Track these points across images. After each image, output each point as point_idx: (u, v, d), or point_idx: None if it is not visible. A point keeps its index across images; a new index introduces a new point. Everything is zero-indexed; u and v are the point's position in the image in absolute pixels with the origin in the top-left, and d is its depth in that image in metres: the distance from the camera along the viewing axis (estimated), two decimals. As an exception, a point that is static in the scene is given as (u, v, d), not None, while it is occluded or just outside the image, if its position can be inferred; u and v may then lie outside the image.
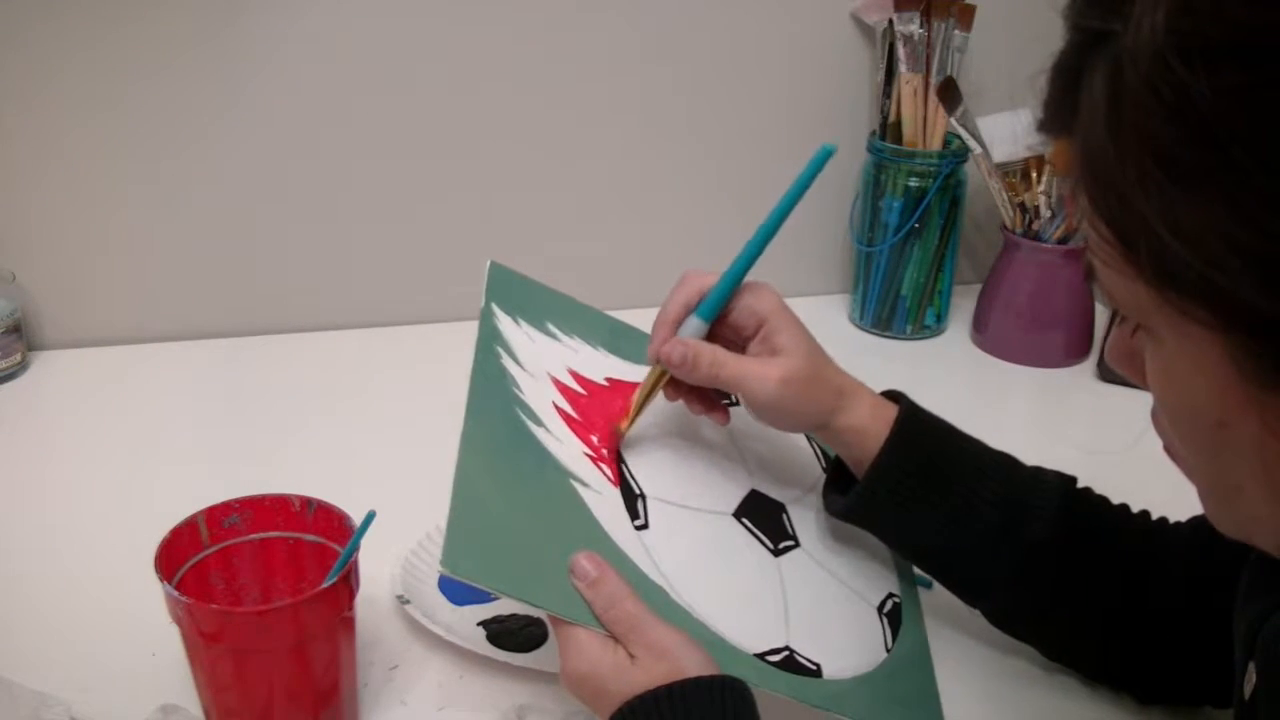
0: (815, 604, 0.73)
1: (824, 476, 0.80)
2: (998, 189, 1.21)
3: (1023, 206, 1.21)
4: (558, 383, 0.75)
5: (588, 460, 0.72)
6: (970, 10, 1.21)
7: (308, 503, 0.73)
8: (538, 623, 0.80)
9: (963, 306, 1.31)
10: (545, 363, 0.76)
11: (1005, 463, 0.75)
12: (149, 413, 1.09)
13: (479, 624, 0.80)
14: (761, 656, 0.68)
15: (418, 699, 0.76)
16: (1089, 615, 0.74)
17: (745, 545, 0.74)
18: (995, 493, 0.72)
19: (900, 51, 1.21)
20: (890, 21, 1.22)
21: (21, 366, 1.14)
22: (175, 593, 0.65)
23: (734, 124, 1.29)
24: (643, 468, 0.73)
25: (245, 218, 1.20)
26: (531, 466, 0.69)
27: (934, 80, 1.21)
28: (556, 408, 0.73)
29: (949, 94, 1.19)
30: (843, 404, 0.72)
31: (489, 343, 0.74)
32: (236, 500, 0.73)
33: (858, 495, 0.73)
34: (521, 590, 0.62)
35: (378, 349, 1.23)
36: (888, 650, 0.74)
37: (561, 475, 0.70)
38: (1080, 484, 0.76)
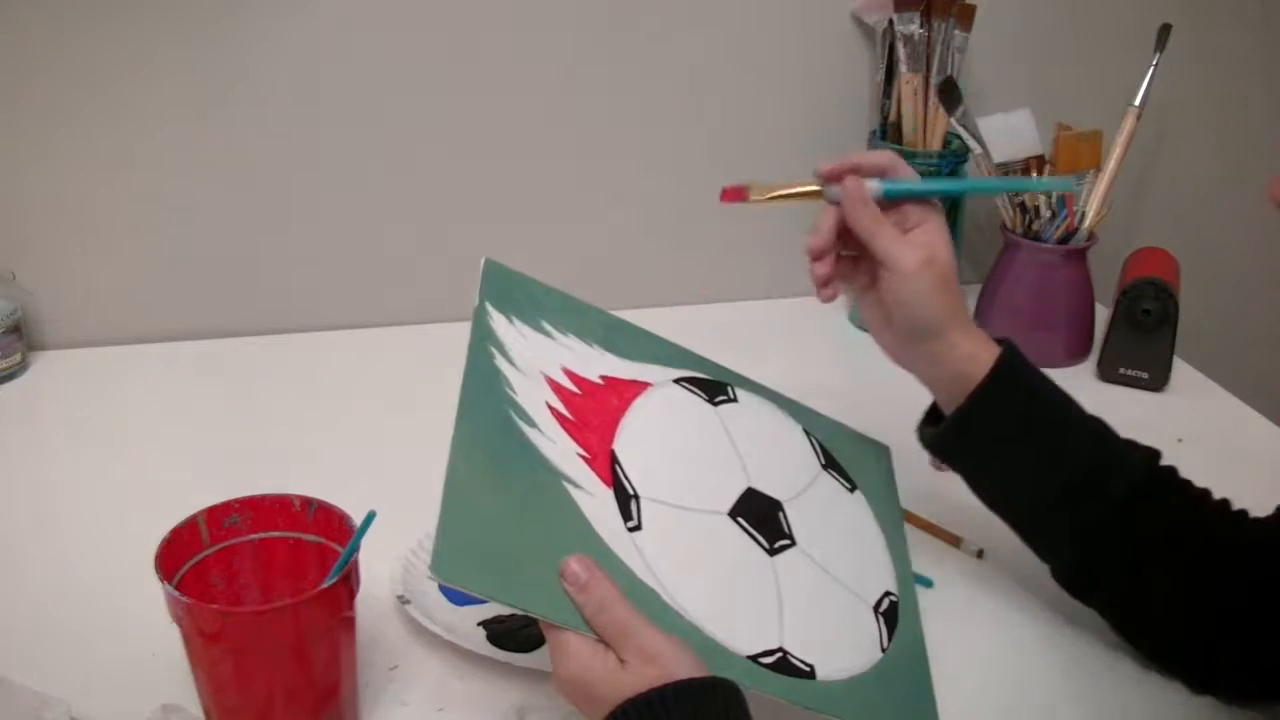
0: (810, 604, 0.73)
1: (821, 473, 0.80)
2: (997, 189, 1.21)
3: (1023, 206, 1.21)
4: (552, 382, 0.75)
5: (580, 461, 0.71)
6: (970, 10, 1.21)
7: (308, 503, 0.73)
8: (538, 623, 0.80)
9: (962, 306, 1.31)
10: (539, 362, 0.75)
11: (1096, 424, 0.77)
12: (149, 413, 1.09)
13: (479, 624, 0.81)
14: (754, 658, 0.68)
15: (418, 699, 0.76)
16: (1150, 591, 0.75)
17: (740, 545, 0.73)
18: (1082, 448, 0.75)
19: (900, 51, 1.21)
20: (890, 21, 1.22)
21: (21, 366, 1.15)
22: (175, 593, 0.65)
23: (734, 124, 1.28)
24: (636, 467, 0.73)
25: (245, 218, 1.20)
26: (523, 469, 0.68)
27: (934, 80, 1.21)
28: (550, 408, 0.73)
29: (949, 94, 1.19)
30: (962, 323, 0.76)
31: (482, 342, 0.73)
32: (236, 500, 0.73)
33: (954, 422, 0.75)
34: (510, 596, 0.62)
35: (377, 349, 1.23)
36: (883, 650, 0.74)
37: (553, 477, 0.69)
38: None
